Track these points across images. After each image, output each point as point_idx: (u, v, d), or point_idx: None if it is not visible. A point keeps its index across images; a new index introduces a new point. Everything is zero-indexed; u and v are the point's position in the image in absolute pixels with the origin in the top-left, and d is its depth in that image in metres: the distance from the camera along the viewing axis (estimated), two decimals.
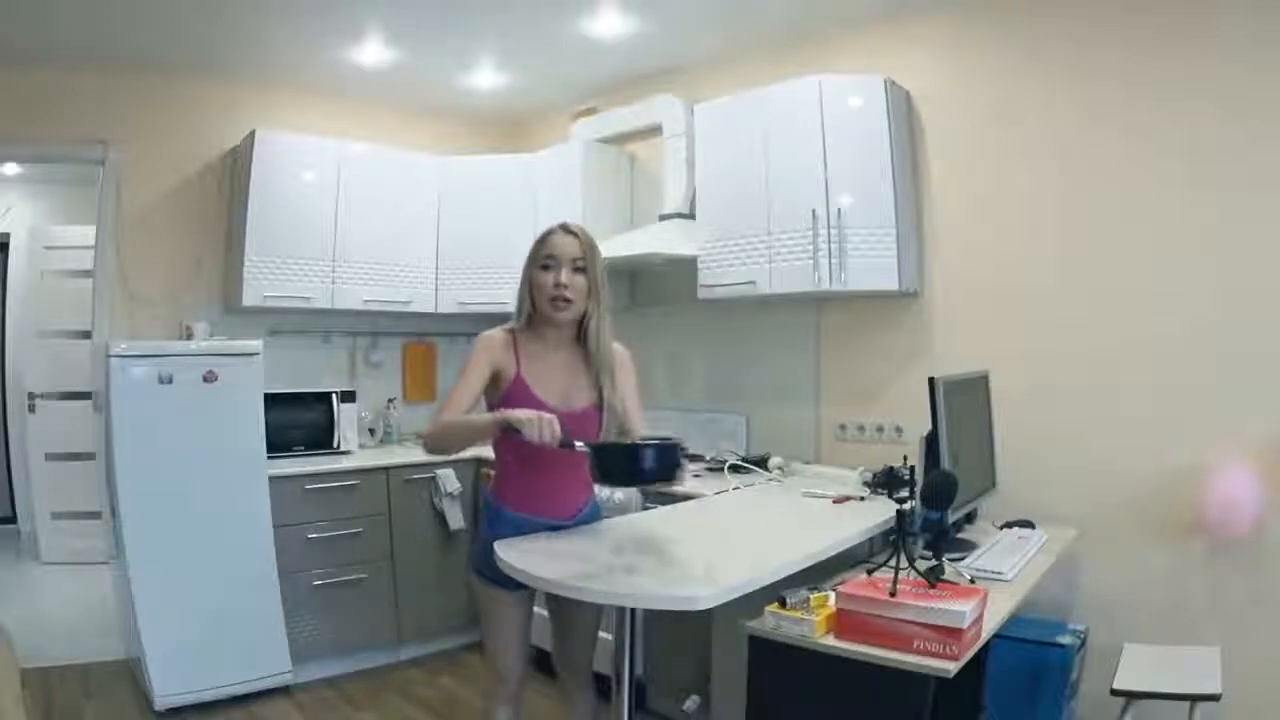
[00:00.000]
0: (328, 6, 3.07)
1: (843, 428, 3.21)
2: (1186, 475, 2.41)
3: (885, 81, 2.90)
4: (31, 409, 5.20)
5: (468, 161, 4.12)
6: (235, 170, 3.79)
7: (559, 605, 2.14)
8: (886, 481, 2.06)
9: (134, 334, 3.57)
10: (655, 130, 3.70)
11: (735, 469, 3.14)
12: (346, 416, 3.85)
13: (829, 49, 3.22)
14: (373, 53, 3.52)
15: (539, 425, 1.85)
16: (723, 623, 2.38)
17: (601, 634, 2.25)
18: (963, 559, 2.14)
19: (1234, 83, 2.36)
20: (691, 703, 2.81)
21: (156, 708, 3.03)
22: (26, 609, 4.21)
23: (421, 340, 4.41)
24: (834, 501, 2.64)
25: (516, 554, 1.88)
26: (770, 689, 1.80)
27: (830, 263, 2.85)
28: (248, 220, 3.56)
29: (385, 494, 3.63)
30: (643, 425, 2.15)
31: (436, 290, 4.04)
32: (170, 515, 3.07)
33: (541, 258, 2.07)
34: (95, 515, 4.02)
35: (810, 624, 1.69)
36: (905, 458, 2.23)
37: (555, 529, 2.09)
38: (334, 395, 3.83)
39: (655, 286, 3.86)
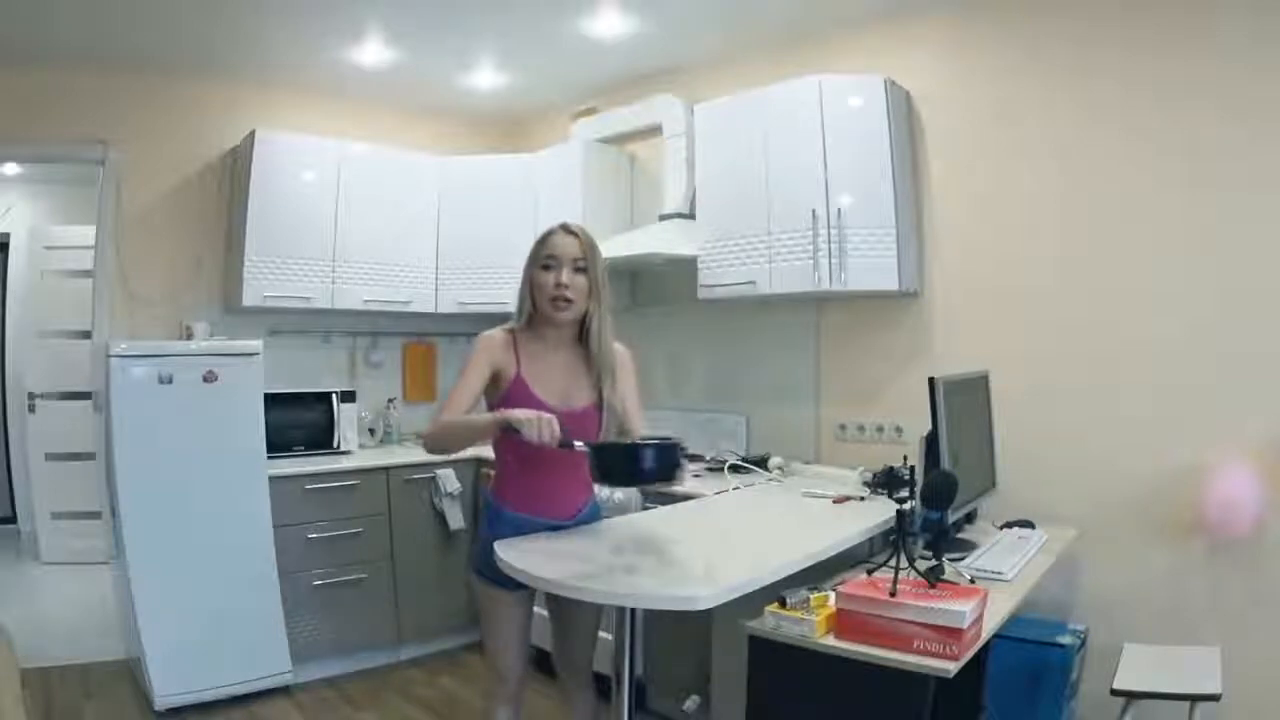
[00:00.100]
0: (328, 6, 3.07)
1: (843, 428, 3.21)
2: (1186, 475, 2.41)
3: (885, 81, 2.90)
4: (31, 409, 5.20)
5: (468, 161, 4.12)
6: (235, 170, 3.79)
7: (559, 605, 2.14)
8: (886, 481, 2.06)
9: (134, 334, 3.57)
10: (655, 130, 3.70)
11: (735, 469, 3.14)
12: (346, 416, 3.85)
13: (829, 49, 3.22)
14: (373, 53, 3.52)
15: (538, 425, 1.85)
16: (723, 623, 2.38)
17: (601, 634, 2.25)
18: (963, 559, 2.14)
19: (1234, 83, 2.36)
20: (691, 703, 2.81)
21: (156, 708, 3.03)
22: (26, 609, 4.21)
23: (421, 340, 4.41)
24: (834, 501, 2.64)
25: (516, 554, 1.88)
26: (770, 689, 1.80)
27: (830, 263, 2.85)
28: (248, 220, 3.56)
29: (385, 494, 3.63)
30: (643, 425, 2.15)
31: (436, 290, 4.04)
32: (170, 515, 3.07)
33: (542, 258, 2.07)
34: (95, 515, 4.02)
35: (810, 624, 1.69)
36: (905, 458, 2.23)
37: (555, 529, 2.09)
38: (334, 395, 3.83)
39: (655, 286, 3.86)
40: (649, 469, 1.86)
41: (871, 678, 1.62)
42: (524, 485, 2.09)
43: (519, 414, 1.88)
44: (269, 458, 3.32)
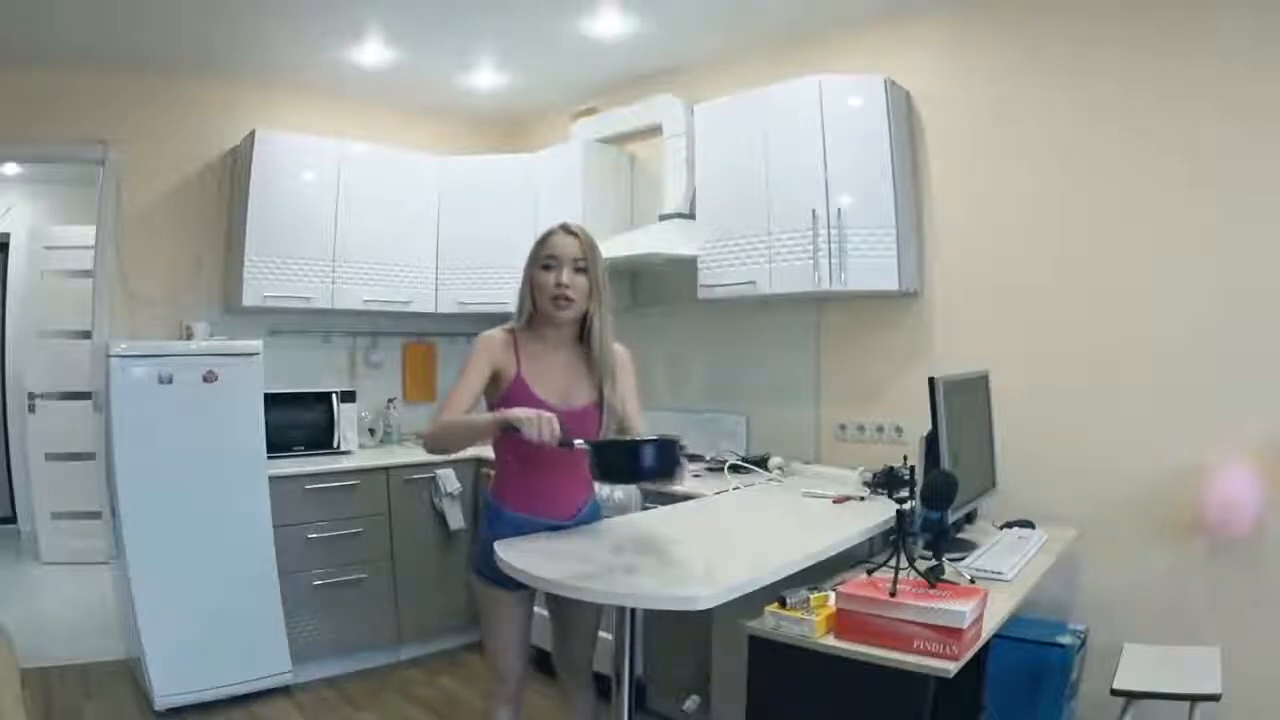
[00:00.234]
0: (328, 6, 3.07)
1: (843, 428, 3.21)
2: (1186, 475, 2.41)
3: (885, 81, 2.90)
4: (31, 409, 5.20)
5: (468, 161, 4.12)
6: (235, 170, 3.79)
7: (559, 605, 2.14)
8: (886, 481, 2.06)
9: (134, 334, 3.57)
10: (655, 130, 3.70)
11: (735, 469, 3.14)
12: (346, 416, 3.85)
13: (829, 49, 3.22)
14: (373, 53, 3.52)
15: (538, 424, 1.85)
16: (723, 623, 2.38)
17: (601, 634, 2.25)
18: (963, 559, 2.14)
19: (1234, 83, 2.36)
20: (691, 703, 2.81)
21: (156, 708, 3.03)
22: (26, 609, 4.21)
23: (421, 340, 4.41)
24: (834, 501, 2.64)
25: (517, 554, 1.88)
26: (770, 689, 1.80)
27: (830, 263, 2.85)
28: (248, 220, 3.56)
29: (385, 494, 3.63)
30: (642, 424, 2.15)
31: (436, 290, 4.04)
32: (170, 515, 3.07)
33: (543, 258, 2.07)
34: (95, 515, 4.02)
35: (810, 624, 1.69)
36: (905, 458, 2.23)
37: (555, 529, 2.09)
38: (334, 395, 3.83)
39: (655, 286, 3.86)
40: (649, 466, 1.86)
41: (871, 678, 1.62)
42: (524, 485, 2.09)
43: (519, 413, 1.88)
44: (269, 458, 3.32)
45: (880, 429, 3.10)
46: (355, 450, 3.86)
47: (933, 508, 1.99)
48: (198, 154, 3.82)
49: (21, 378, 5.35)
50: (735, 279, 3.12)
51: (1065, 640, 2.39)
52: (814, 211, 2.87)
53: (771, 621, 1.74)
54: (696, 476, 3.12)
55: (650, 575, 1.86)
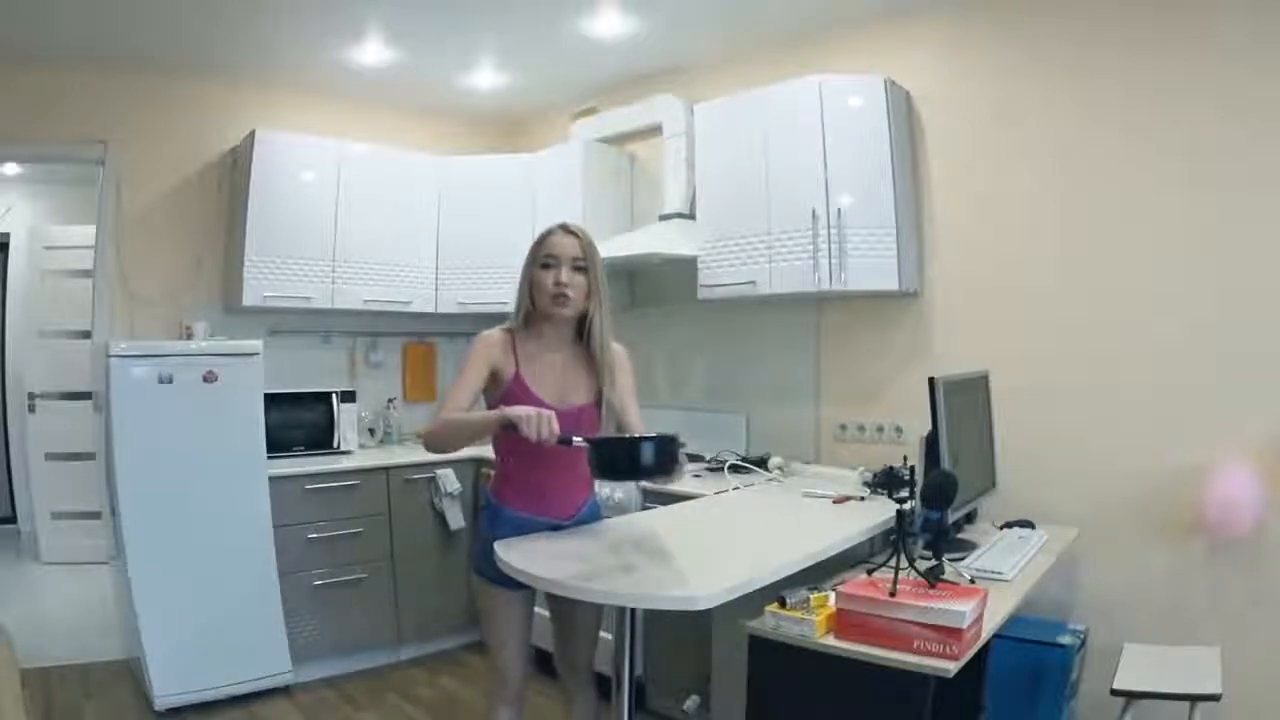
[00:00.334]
0: (328, 6, 3.07)
1: (843, 428, 3.21)
2: (1186, 475, 2.41)
3: (885, 81, 2.90)
4: (31, 409, 5.20)
5: (467, 161, 4.12)
6: (235, 170, 3.79)
7: (559, 605, 2.14)
8: (886, 481, 2.06)
9: (134, 334, 3.57)
10: (655, 130, 3.70)
11: (735, 469, 3.14)
12: (346, 416, 3.85)
13: (829, 49, 3.22)
14: (373, 53, 3.52)
15: (537, 422, 1.85)
16: (723, 623, 2.38)
17: (601, 634, 2.25)
18: (963, 559, 2.14)
19: (1234, 83, 2.36)
20: (691, 703, 2.81)
21: (156, 708, 3.03)
22: (26, 609, 4.21)
23: (421, 340, 4.41)
24: (834, 501, 2.64)
25: (517, 554, 1.88)
26: (770, 689, 1.80)
27: (830, 263, 2.85)
28: (248, 220, 3.56)
29: (385, 494, 3.63)
30: (640, 423, 2.15)
31: (436, 290, 4.04)
32: (170, 515, 3.07)
33: (542, 257, 2.08)
34: (95, 515, 4.03)
35: (810, 624, 1.69)
36: (905, 458, 2.23)
37: (555, 528, 2.09)
38: (334, 395, 3.83)
39: (655, 286, 3.86)
40: (648, 463, 1.86)
41: (871, 677, 1.62)
42: (524, 484, 2.09)
43: (518, 411, 1.88)
44: (269, 458, 3.32)
45: (880, 429, 3.10)
46: (355, 450, 3.86)
47: (933, 508, 1.99)
48: (198, 154, 3.82)
49: (21, 378, 5.36)
50: (735, 279, 3.12)
51: (1065, 640, 2.39)
52: (814, 211, 2.87)
53: (771, 621, 1.74)
54: (696, 476, 3.12)
55: (650, 575, 1.87)
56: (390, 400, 4.24)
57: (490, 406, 2.07)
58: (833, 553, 2.09)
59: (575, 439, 1.89)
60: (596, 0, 3.04)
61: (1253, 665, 2.24)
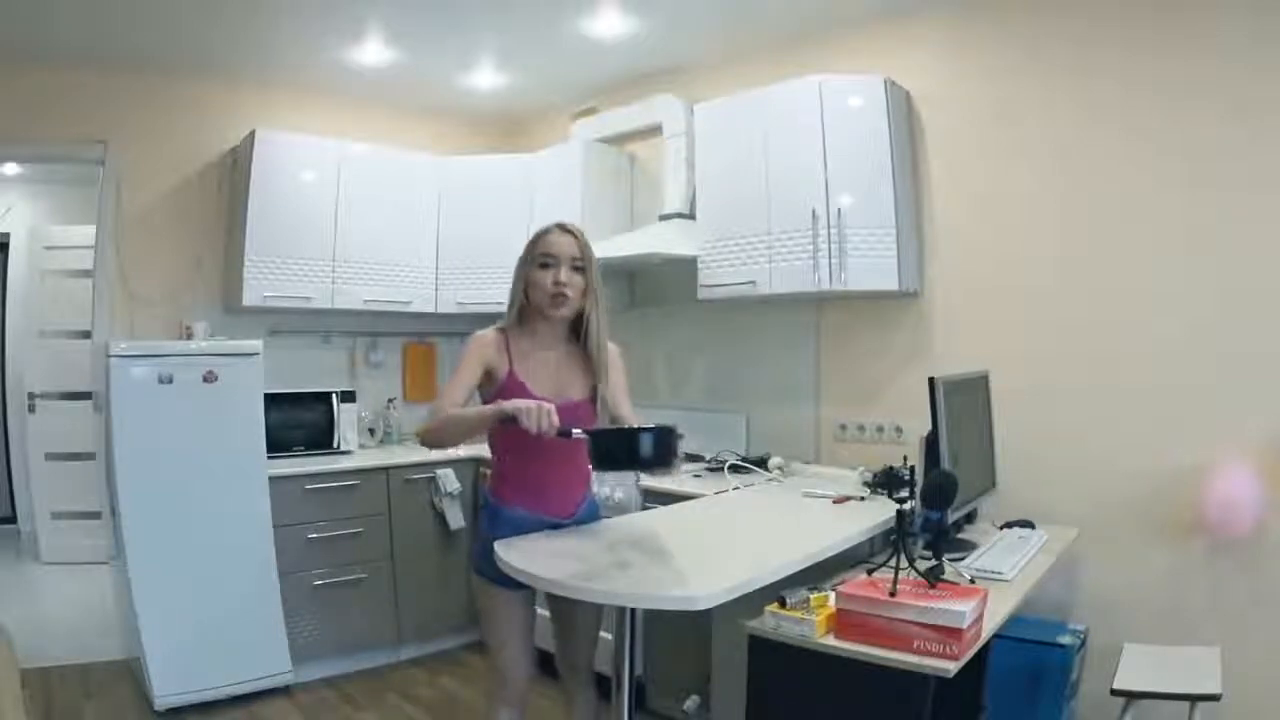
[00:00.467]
0: (328, 6, 3.07)
1: (843, 428, 3.21)
2: (1186, 475, 2.41)
3: (885, 81, 2.90)
4: (31, 409, 5.20)
5: (467, 161, 4.12)
6: (235, 170, 3.79)
7: (559, 605, 2.15)
8: (886, 481, 2.06)
9: (134, 334, 3.57)
10: (655, 130, 3.70)
11: (735, 469, 3.14)
12: (346, 416, 3.85)
13: (829, 49, 3.22)
14: (373, 53, 3.52)
15: (537, 414, 1.85)
16: (723, 623, 2.38)
17: (602, 634, 2.25)
18: (963, 559, 2.14)
19: (1234, 83, 2.36)
20: (691, 703, 2.81)
21: (156, 708, 3.03)
22: (26, 609, 4.21)
23: (421, 340, 4.41)
24: (834, 501, 2.64)
25: (517, 554, 1.88)
26: (770, 689, 1.80)
27: (830, 263, 2.85)
28: (248, 220, 3.56)
29: (385, 494, 3.63)
30: (633, 417, 2.16)
31: (436, 290, 4.04)
32: (170, 515, 3.07)
33: (540, 256, 2.08)
34: (95, 515, 4.03)
35: (810, 624, 1.69)
36: (905, 458, 2.23)
37: (554, 526, 2.09)
38: (334, 395, 3.83)
39: (655, 286, 3.86)
40: (647, 453, 1.87)
41: (871, 678, 1.62)
42: (521, 482, 2.10)
43: (517, 404, 1.88)
44: (269, 458, 3.32)
45: (880, 429, 3.10)
46: (355, 450, 3.86)
47: (933, 508, 1.99)
48: (198, 154, 3.82)
49: (21, 378, 5.36)
50: (735, 279, 3.12)
51: (1065, 640, 2.39)
52: (814, 211, 2.87)
53: (771, 621, 1.74)
54: (697, 477, 3.12)
55: (650, 575, 1.86)
56: (390, 400, 4.24)
57: (485, 404, 2.07)
58: (832, 553, 2.09)
59: (575, 431, 1.90)
60: (596, 0, 3.04)
61: (1253, 665, 2.24)
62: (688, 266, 3.28)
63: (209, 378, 3.19)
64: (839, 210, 2.85)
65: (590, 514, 2.21)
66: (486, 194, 4.01)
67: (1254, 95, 2.33)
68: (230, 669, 3.16)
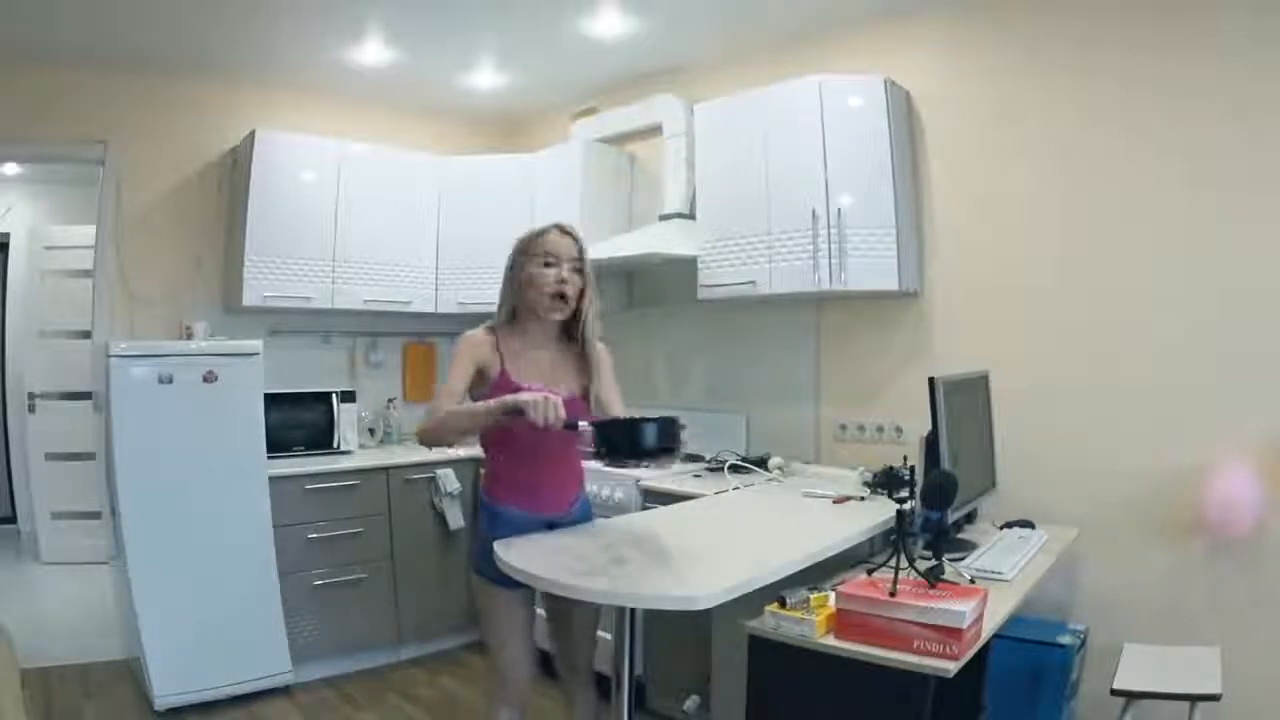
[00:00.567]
0: (328, 6, 3.07)
1: (843, 428, 3.21)
2: (1186, 475, 2.41)
3: (885, 81, 2.90)
4: (31, 409, 5.20)
5: (467, 161, 4.12)
6: (235, 170, 3.79)
7: (557, 605, 2.15)
8: (886, 481, 2.06)
9: (134, 334, 3.57)
10: (655, 130, 3.70)
11: (735, 469, 3.14)
12: (346, 416, 3.85)
13: (829, 49, 3.22)
14: (373, 53, 3.52)
15: (544, 406, 1.86)
16: (723, 623, 2.38)
17: (601, 634, 2.25)
18: (963, 559, 2.14)
19: (1234, 83, 2.36)
20: (691, 703, 2.81)
21: (156, 708, 3.03)
22: (26, 609, 4.21)
23: (421, 340, 4.41)
24: (834, 501, 2.64)
25: (516, 554, 1.88)
26: (770, 689, 1.80)
27: (830, 263, 2.85)
28: (248, 220, 3.56)
29: (385, 494, 3.63)
30: (625, 413, 2.16)
31: (436, 290, 4.04)
32: (170, 515, 3.07)
33: (543, 255, 2.09)
34: (95, 515, 4.02)
35: (810, 624, 1.69)
36: (905, 458, 2.23)
37: (551, 524, 2.10)
38: (334, 395, 3.83)
39: (655, 286, 3.86)
40: (651, 442, 1.88)
41: (871, 678, 1.62)
42: (514, 481, 2.11)
43: (524, 396, 1.89)
44: (269, 458, 3.32)
45: (880, 429, 3.10)
46: (355, 450, 3.86)
47: (933, 508, 1.99)
48: (198, 154, 3.82)
49: (21, 378, 5.35)
50: (735, 279, 3.12)
51: (1065, 640, 2.39)
52: (814, 211, 2.87)
53: (771, 621, 1.74)
54: (696, 476, 3.12)
55: (649, 575, 1.87)
56: (390, 400, 4.24)
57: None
58: (832, 553, 2.09)
59: (581, 423, 1.91)
60: (596, 0, 3.04)
61: (1253, 665, 2.24)
62: (688, 266, 3.28)
63: (209, 378, 3.19)
64: (839, 210, 2.85)
65: (585, 512, 2.22)
66: (486, 194, 4.01)
67: (1254, 95, 2.33)
68: (230, 669, 3.16)
